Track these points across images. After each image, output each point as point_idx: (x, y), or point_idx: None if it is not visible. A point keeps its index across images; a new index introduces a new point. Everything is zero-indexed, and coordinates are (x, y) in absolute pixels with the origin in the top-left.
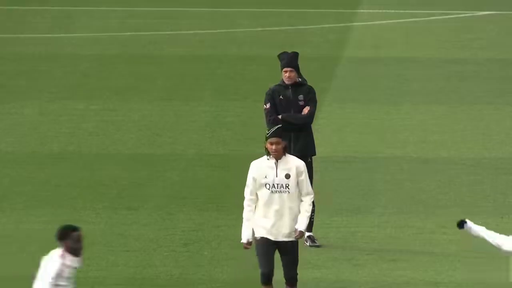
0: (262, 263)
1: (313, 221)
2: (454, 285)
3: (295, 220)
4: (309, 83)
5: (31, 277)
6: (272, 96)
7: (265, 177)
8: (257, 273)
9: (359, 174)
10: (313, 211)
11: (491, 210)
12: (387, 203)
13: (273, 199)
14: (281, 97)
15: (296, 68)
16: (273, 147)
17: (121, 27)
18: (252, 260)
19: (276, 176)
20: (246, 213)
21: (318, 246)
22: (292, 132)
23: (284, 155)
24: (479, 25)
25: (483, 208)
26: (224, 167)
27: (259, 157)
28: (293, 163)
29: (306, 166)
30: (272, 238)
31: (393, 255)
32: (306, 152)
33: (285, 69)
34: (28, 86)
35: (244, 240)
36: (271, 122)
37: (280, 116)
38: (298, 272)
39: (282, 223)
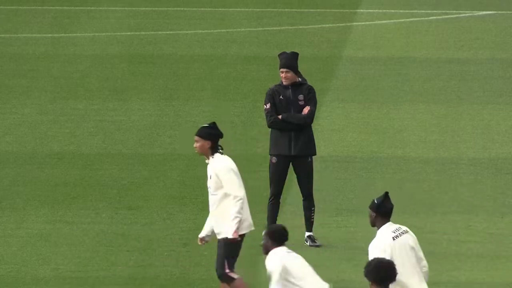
0: None
1: (313, 221)
2: (454, 285)
3: (222, 221)
4: (309, 83)
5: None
6: (272, 96)
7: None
8: (256, 273)
9: (359, 174)
10: (313, 211)
11: (491, 210)
12: None
13: (209, 199)
14: (281, 97)
15: (293, 69)
16: (194, 144)
17: (121, 27)
18: (252, 260)
19: (208, 178)
20: None
21: (318, 246)
22: (292, 132)
23: (211, 155)
24: (479, 25)
25: (483, 208)
26: None
27: (259, 157)
28: (214, 165)
29: (306, 166)
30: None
31: None
32: (306, 152)
33: (281, 69)
34: (28, 86)
35: (199, 235)
36: (272, 122)
37: (280, 116)
38: (224, 270)
39: (214, 222)
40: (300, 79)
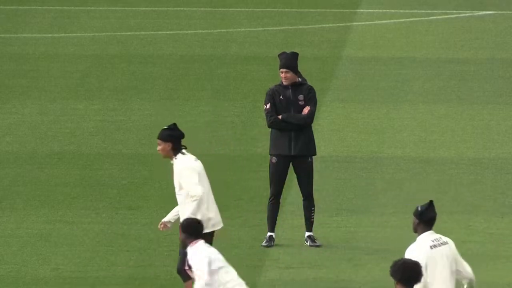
0: None
1: (313, 221)
2: None
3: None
4: (309, 83)
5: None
6: (272, 96)
7: None
8: (256, 273)
9: (359, 174)
10: (313, 211)
11: (491, 210)
12: (387, 203)
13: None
14: (281, 97)
15: (292, 69)
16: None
17: (121, 27)
18: (252, 260)
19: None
20: None
21: (318, 246)
22: (292, 132)
23: (174, 156)
24: (479, 25)
25: (483, 208)
26: (224, 167)
27: (259, 157)
28: (176, 166)
29: (307, 166)
30: None
31: (393, 255)
32: (306, 152)
33: (281, 70)
34: (28, 86)
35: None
36: (272, 122)
37: (280, 116)
38: (183, 266)
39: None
40: (300, 79)
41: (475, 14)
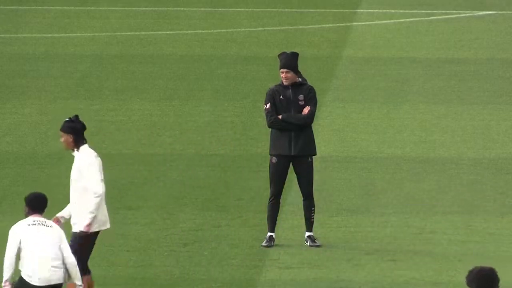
0: None
1: (313, 221)
2: (454, 285)
3: (79, 214)
4: (309, 83)
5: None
6: (272, 96)
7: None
8: (256, 273)
9: (359, 174)
10: (313, 211)
11: (491, 210)
12: (387, 203)
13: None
14: (281, 97)
15: (293, 69)
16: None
17: (121, 27)
18: (252, 260)
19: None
20: None
21: (318, 246)
22: (292, 132)
23: (75, 149)
24: (479, 25)
25: (483, 208)
26: (224, 167)
27: (259, 157)
28: (78, 158)
29: (307, 166)
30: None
31: (393, 255)
32: (306, 152)
33: (281, 70)
34: (28, 86)
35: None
36: (272, 122)
37: (280, 116)
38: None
39: (72, 213)
40: (300, 79)
41: (475, 14)
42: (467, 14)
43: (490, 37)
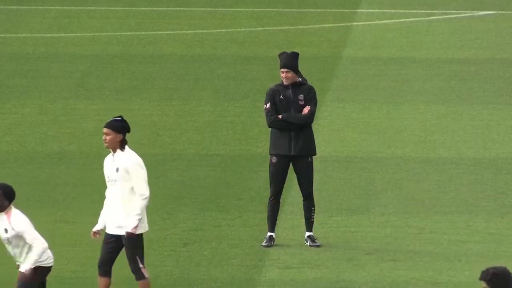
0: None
1: (313, 221)
2: (454, 285)
3: (127, 216)
4: (309, 83)
5: None
6: (272, 96)
7: (106, 169)
8: (256, 273)
9: (359, 174)
10: (313, 211)
11: (491, 210)
12: (387, 203)
13: (109, 191)
14: (281, 96)
15: (293, 69)
16: (103, 137)
17: (121, 27)
18: (252, 260)
19: (111, 170)
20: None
21: (318, 246)
22: (292, 131)
23: (119, 149)
24: (479, 25)
25: (483, 208)
26: (224, 167)
27: (259, 157)
28: (125, 159)
29: (307, 165)
30: (107, 230)
31: (393, 255)
32: (306, 152)
33: (281, 69)
34: (28, 86)
35: (94, 228)
36: (272, 121)
37: (280, 116)
38: (139, 266)
39: (112, 215)
40: (300, 79)
41: (475, 14)
42: (467, 14)
43: (490, 37)
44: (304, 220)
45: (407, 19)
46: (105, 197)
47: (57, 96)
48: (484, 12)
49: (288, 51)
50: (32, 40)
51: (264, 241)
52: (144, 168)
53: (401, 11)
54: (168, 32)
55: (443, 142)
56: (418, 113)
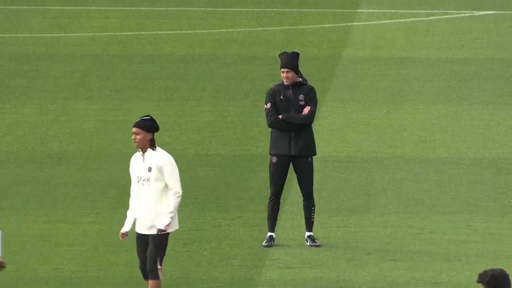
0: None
1: (313, 221)
2: (454, 285)
3: (158, 214)
4: (309, 83)
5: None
6: (272, 96)
7: (135, 169)
8: (256, 273)
9: (359, 174)
10: (313, 211)
11: (491, 210)
12: (387, 203)
13: (138, 191)
14: (281, 97)
15: (293, 69)
16: (132, 136)
17: (121, 27)
18: (252, 260)
19: (142, 169)
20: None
21: (318, 246)
22: (293, 131)
23: (150, 148)
24: (479, 25)
25: (483, 208)
26: (224, 167)
27: (259, 157)
28: (158, 157)
29: (307, 165)
30: (139, 230)
31: (393, 255)
32: (306, 152)
33: (282, 69)
34: (28, 86)
35: (122, 230)
36: (272, 122)
37: (280, 116)
38: (157, 266)
39: (144, 215)
40: (300, 79)
41: (475, 14)
42: (467, 14)
43: (490, 37)
44: (304, 220)
45: (407, 19)
46: (130, 196)
47: (57, 96)
48: (484, 12)
49: (289, 51)
50: (32, 40)
51: (264, 241)
52: (176, 166)
53: (401, 11)
54: (168, 32)
55: (443, 142)
56: (418, 113)
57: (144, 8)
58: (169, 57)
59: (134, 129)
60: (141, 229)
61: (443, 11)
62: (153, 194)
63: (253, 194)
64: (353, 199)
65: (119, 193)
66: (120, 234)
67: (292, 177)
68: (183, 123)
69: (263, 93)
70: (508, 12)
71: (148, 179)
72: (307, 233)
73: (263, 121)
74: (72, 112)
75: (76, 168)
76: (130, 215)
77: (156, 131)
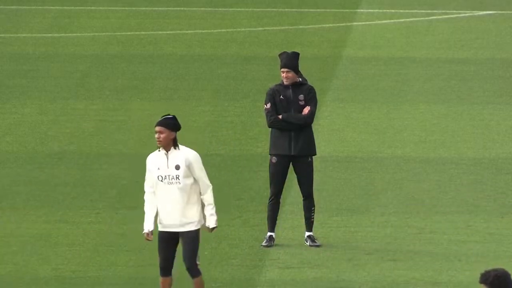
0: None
1: (313, 221)
2: (454, 285)
3: (189, 210)
4: (309, 83)
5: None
6: (272, 96)
7: (158, 168)
8: (256, 273)
9: (359, 174)
10: (313, 211)
11: (491, 210)
12: (387, 203)
13: (161, 190)
14: (281, 97)
15: (293, 69)
16: (156, 135)
17: (121, 27)
18: (252, 260)
19: (167, 168)
20: (145, 206)
21: (318, 246)
22: (293, 132)
23: (173, 147)
24: (479, 25)
25: (483, 208)
26: (224, 167)
27: (259, 157)
28: (185, 155)
29: (307, 165)
30: (166, 229)
31: (393, 255)
32: (306, 152)
33: (282, 69)
34: (28, 86)
35: (145, 230)
36: (272, 122)
37: (280, 116)
38: (196, 262)
39: (171, 214)
40: (300, 79)
41: (475, 14)
42: (467, 14)
43: (490, 37)
44: (304, 220)
45: (407, 19)
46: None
47: (57, 96)
48: (484, 12)
49: (289, 51)
50: (32, 40)
51: (264, 241)
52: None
53: (401, 11)
54: (168, 32)
55: (443, 142)
56: (418, 113)
57: (144, 8)
58: (169, 57)
59: (157, 128)
60: (170, 228)
61: (443, 11)
62: (183, 191)
63: (253, 194)
64: (353, 199)
65: (119, 193)
66: (145, 234)
67: (292, 177)
68: (183, 123)
69: (263, 93)
70: (508, 12)
71: (177, 177)
72: (307, 233)
73: (263, 121)
74: (72, 112)
75: (76, 168)
76: (150, 213)
77: (178, 130)
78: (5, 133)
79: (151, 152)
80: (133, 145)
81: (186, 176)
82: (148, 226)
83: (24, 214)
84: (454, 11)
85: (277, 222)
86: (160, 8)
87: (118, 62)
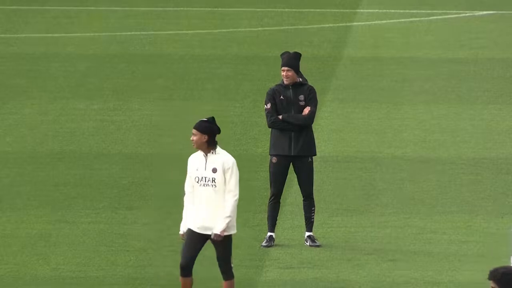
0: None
1: (313, 221)
2: (454, 285)
3: (219, 215)
4: (309, 83)
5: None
6: (272, 96)
7: (196, 170)
8: (256, 273)
9: (359, 174)
10: (313, 211)
11: (491, 210)
12: (387, 203)
13: (198, 191)
14: (281, 97)
15: (294, 68)
16: (191, 137)
17: (121, 27)
18: (252, 260)
19: (205, 170)
20: (184, 206)
21: (318, 246)
22: (293, 132)
23: (213, 149)
24: (479, 25)
25: (483, 208)
26: None
27: (259, 157)
28: (223, 159)
29: (307, 166)
30: (196, 229)
31: (393, 255)
32: (306, 152)
33: (282, 68)
34: (28, 86)
35: (180, 231)
36: (272, 122)
37: (280, 116)
38: (230, 266)
39: (203, 215)
40: (301, 79)
41: (475, 14)
42: (467, 14)
43: (490, 37)
44: (304, 220)
45: (407, 19)
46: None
47: (57, 96)
48: (484, 12)
49: (290, 51)
50: (32, 40)
51: (264, 241)
52: (237, 167)
53: (401, 11)
54: (168, 32)
55: (443, 142)
56: (418, 113)
57: (144, 8)
58: (169, 57)
59: (192, 130)
60: (201, 229)
61: (443, 11)
62: (218, 194)
63: (253, 194)
64: (353, 199)
65: (119, 193)
66: (180, 235)
67: (292, 177)
68: (183, 123)
69: (263, 93)
70: (508, 12)
71: (213, 180)
72: (307, 233)
73: (263, 121)
74: (72, 112)
75: (76, 168)
76: (188, 214)
77: (215, 133)
78: (5, 133)
79: (151, 152)
80: (133, 145)
81: (222, 180)
82: (184, 228)
83: (24, 214)
84: (454, 11)
85: (277, 222)
86: (160, 8)
87: (118, 62)
